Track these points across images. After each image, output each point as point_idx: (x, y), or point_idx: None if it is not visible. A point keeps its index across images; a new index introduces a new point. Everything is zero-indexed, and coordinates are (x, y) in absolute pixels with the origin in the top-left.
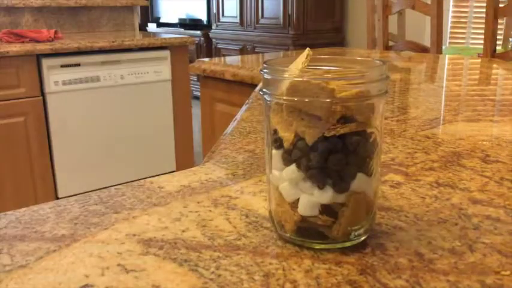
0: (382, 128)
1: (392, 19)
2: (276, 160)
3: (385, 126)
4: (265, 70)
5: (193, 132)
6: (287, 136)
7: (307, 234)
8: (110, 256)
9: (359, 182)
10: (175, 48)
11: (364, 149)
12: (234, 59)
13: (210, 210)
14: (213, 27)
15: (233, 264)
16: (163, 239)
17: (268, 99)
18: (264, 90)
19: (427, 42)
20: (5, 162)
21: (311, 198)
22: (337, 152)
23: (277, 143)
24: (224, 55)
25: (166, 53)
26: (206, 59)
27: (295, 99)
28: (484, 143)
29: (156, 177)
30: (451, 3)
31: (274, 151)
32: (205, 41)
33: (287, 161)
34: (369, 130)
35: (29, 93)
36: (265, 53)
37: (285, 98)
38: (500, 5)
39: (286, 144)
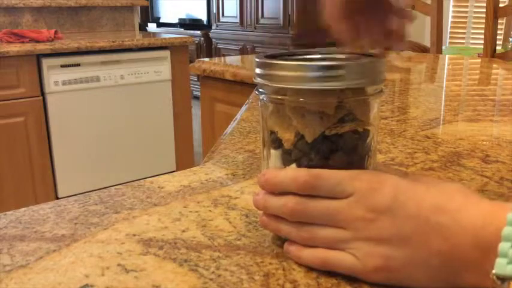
0: (378, 126)
1: None
2: (275, 160)
3: (385, 126)
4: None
5: (193, 132)
6: (287, 136)
7: None
8: (110, 256)
9: None
10: (175, 48)
11: (363, 148)
12: (234, 59)
13: (210, 210)
14: (213, 27)
15: (233, 264)
16: (163, 239)
17: (265, 99)
18: (260, 90)
19: (427, 42)
20: (5, 162)
21: None
22: (337, 151)
23: (276, 143)
24: (224, 55)
25: (166, 53)
26: (206, 59)
27: (301, 99)
28: (484, 143)
29: (156, 177)
30: (451, 3)
31: (272, 151)
32: (205, 41)
33: (287, 161)
34: (366, 128)
35: (29, 93)
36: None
37: (280, 97)
38: (500, 5)
39: (286, 145)
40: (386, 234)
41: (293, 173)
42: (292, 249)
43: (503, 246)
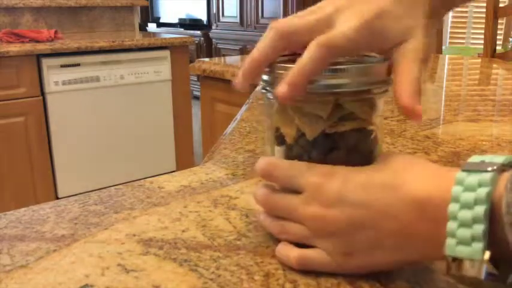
0: (382, 125)
1: None
2: (278, 157)
3: (385, 126)
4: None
5: (193, 132)
6: (289, 132)
7: None
8: (110, 256)
9: None
10: (175, 48)
11: (364, 146)
12: (234, 59)
13: (210, 210)
14: (213, 27)
15: (233, 264)
16: (163, 239)
17: (271, 97)
18: (267, 88)
19: None
20: (5, 162)
21: None
22: (337, 149)
23: (280, 139)
24: (224, 55)
25: (166, 53)
26: (206, 59)
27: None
28: (484, 143)
29: (156, 177)
30: None
31: (276, 148)
32: (205, 41)
33: (288, 157)
34: (369, 128)
35: (29, 93)
36: None
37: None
38: (500, 5)
39: (288, 140)
40: (341, 226)
41: (260, 160)
42: (278, 247)
43: (450, 226)
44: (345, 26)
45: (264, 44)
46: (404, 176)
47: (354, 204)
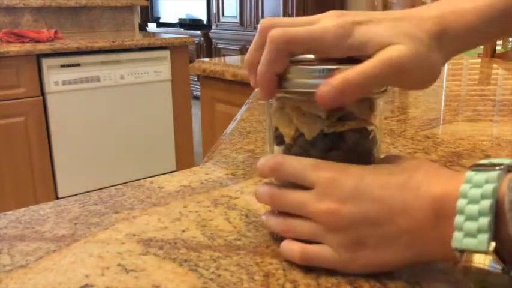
0: (382, 126)
1: None
2: None
3: (385, 126)
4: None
5: (193, 132)
6: (287, 131)
7: None
8: (110, 256)
9: None
10: (175, 48)
11: (363, 146)
12: (234, 59)
13: (210, 210)
14: (213, 27)
15: (233, 264)
16: (163, 239)
17: None
18: None
19: None
20: (5, 162)
21: None
22: (336, 149)
23: (279, 139)
24: (224, 55)
25: (166, 53)
26: (206, 59)
27: (299, 97)
28: (484, 143)
29: (156, 177)
30: None
31: (276, 147)
32: (205, 41)
33: None
34: (368, 128)
35: (29, 93)
36: None
37: (280, 95)
38: None
39: (287, 140)
40: (355, 221)
41: (264, 158)
42: (282, 243)
43: (458, 219)
44: (320, 24)
45: (251, 46)
46: (419, 177)
47: (370, 199)
